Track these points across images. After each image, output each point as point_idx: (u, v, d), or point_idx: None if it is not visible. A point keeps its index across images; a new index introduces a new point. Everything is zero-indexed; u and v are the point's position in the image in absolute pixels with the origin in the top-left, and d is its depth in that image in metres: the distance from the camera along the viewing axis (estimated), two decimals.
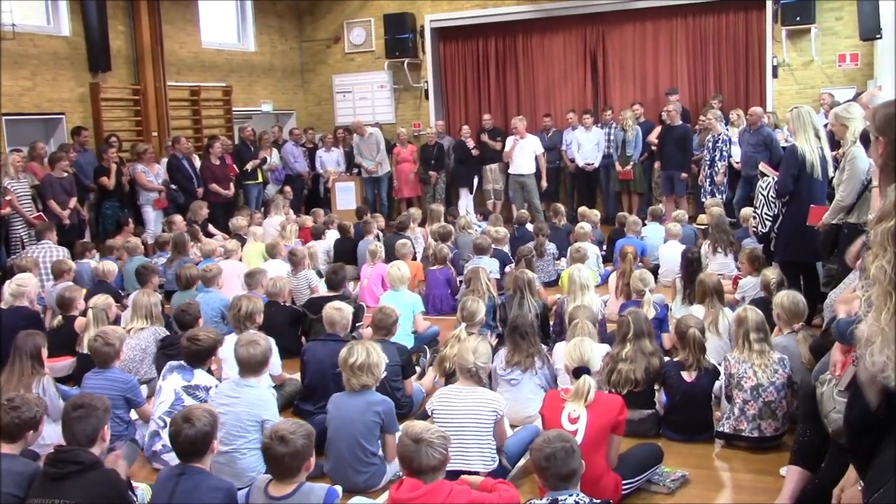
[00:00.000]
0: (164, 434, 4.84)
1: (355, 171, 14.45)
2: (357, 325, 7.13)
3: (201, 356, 5.11)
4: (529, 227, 10.37)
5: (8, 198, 9.53)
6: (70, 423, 3.71)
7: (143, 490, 4.39)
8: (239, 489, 4.04)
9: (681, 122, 12.23)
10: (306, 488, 3.49)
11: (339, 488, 3.97)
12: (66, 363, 6.50)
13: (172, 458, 4.41)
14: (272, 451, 3.46)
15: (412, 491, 3.28)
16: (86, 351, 5.84)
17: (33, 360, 5.24)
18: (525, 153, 12.89)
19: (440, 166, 14.33)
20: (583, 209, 10.97)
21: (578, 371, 4.29)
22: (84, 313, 6.63)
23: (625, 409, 4.27)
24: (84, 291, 7.29)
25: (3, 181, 9.62)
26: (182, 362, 5.12)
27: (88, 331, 6.11)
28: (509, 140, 13.08)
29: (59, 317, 6.85)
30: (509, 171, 13.14)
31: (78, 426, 3.70)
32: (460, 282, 8.37)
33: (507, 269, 8.66)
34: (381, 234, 10.43)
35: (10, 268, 8.44)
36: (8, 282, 7.25)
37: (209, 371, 5.28)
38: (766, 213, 7.09)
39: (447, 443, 3.44)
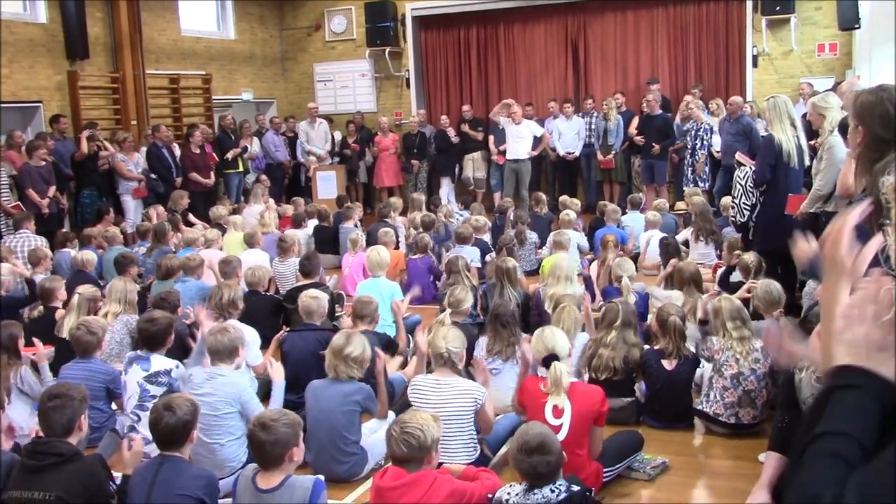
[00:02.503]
0: (140, 427, 4.82)
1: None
2: (338, 314, 7.14)
3: (159, 339, 5.05)
4: (511, 215, 10.37)
5: None
6: (46, 413, 3.69)
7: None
8: (220, 478, 4.05)
9: (661, 111, 12.27)
10: (293, 481, 3.46)
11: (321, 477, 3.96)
12: (46, 351, 6.44)
13: (151, 452, 4.41)
14: (255, 438, 3.45)
15: (395, 479, 3.29)
16: (65, 336, 5.79)
17: (9, 352, 5.21)
18: (522, 138, 12.91)
19: (422, 155, 14.32)
20: (564, 198, 10.99)
21: (548, 360, 4.31)
22: (66, 304, 6.58)
23: (606, 401, 4.30)
24: (63, 281, 7.23)
25: None
26: (138, 352, 5.07)
27: (69, 317, 6.06)
28: (504, 125, 13.05)
29: (40, 307, 6.79)
30: (507, 156, 13.12)
31: (54, 416, 3.67)
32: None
33: (488, 258, 8.67)
34: (359, 223, 10.44)
35: None
36: None
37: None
38: (744, 203, 7.14)
39: (434, 430, 3.44)
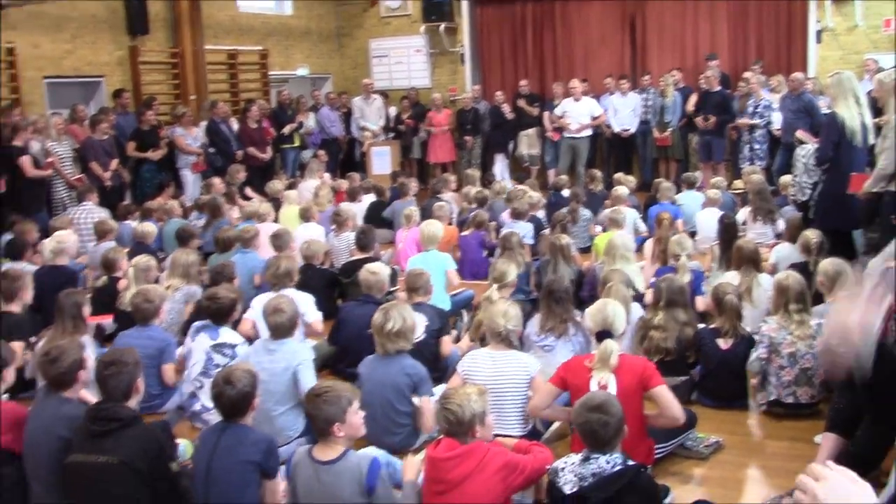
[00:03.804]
0: (201, 395, 4.95)
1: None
2: (392, 289, 7.19)
3: (222, 314, 5.18)
4: (566, 192, 10.33)
5: (50, 160, 9.68)
6: (104, 380, 3.80)
7: (184, 446, 4.49)
8: (279, 446, 4.13)
9: (720, 87, 12.07)
10: (350, 456, 3.51)
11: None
12: (107, 322, 6.62)
13: (211, 419, 4.53)
14: (306, 410, 3.51)
15: (449, 451, 3.32)
16: (126, 308, 5.94)
17: (75, 319, 5.36)
18: (581, 114, 12.88)
19: (476, 131, 14.29)
20: (618, 175, 10.88)
21: (601, 335, 4.29)
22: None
23: (649, 363, 4.25)
24: (126, 251, 7.43)
25: (45, 144, 9.77)
26: (207, 322, 5.21)
27: (129, 289, 6.21)
28: (565, 103, 13.00)
29: (104, 277, 6.97)
30: (564, 133, 13.08)
31: (112, 382, 3.78)
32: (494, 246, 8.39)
33: (542, 234, 8.66)
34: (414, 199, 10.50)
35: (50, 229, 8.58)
36: (48, 239, 7.40)
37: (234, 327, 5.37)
38: (805, 182, 7.02)
39: (481, 400, 3.48)
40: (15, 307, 5.82)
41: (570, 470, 3.19)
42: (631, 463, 3.17)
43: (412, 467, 3.82)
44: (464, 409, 3.36)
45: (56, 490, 3.92)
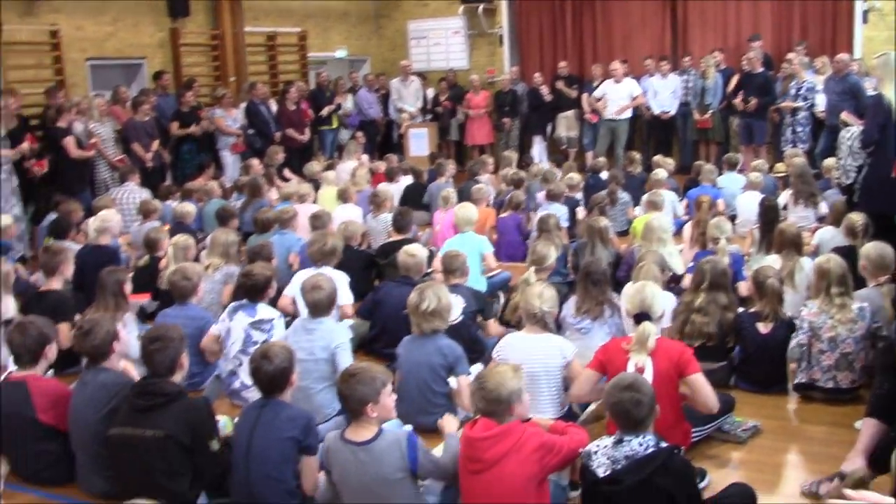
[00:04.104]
0: (241, 372, 5.01)
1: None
2: (429, 271, 7.21)
3: (258, 290, 5.22)
4: (604, 175, 10.27)
5: (93, 141, 9.83)
6: (150, 356, 3.87)
7: (224, 422, 4.55)
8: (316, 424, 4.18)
9: (762, 69, 11.87)
10: (386, 434, 3.53)
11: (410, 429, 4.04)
12: (149, 300, 6.72)
13: (250, 396, 4.60)
14: (338, 389, 3.54)
15: (485, 430, 3.33)
16: (166, 287, 6.03)
17: (116, 297, 5.45)
18: (621, 97, 12.80)
19: (514, 113, 14.24)
20: (657, 158, 10.78)
21: (639, 317, 4.27)
22: None
23: (686, 349, 4.22)
24: (168, 229, 7.54)
25: (88, 125, 9.91)
26: (244, 301, 5.26)
27: (169, 268, 6.29)
28: (605, 85, 12.92)
29: (146, 256, 7.07)
30: (603, 115, 13.01)
31: (157, 358, 3.86)
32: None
33: (579, 215, 8.62)
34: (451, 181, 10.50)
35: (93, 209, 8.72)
36: (92, 219, 7.52)
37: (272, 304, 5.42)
38: (849, 164, 6.89)
39: (518, 380, 3.48)
40: (56, 283, 5.92)
41: (603, 453, 3.18)
42: (664, 445, 3.15)
43: (452, 422, 3.91)
44: (500, 388, 3.37)
45: (101, 460, 4.02)
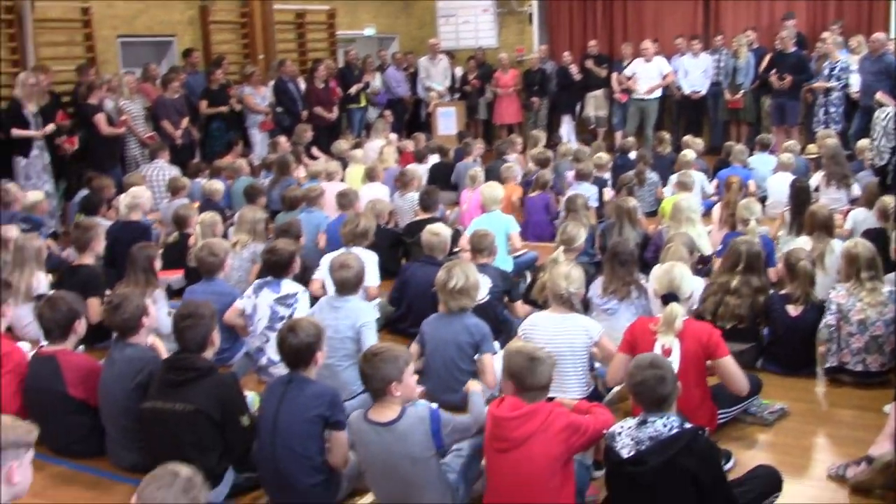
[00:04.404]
0: (268, 348, 5.05)
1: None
2: (455, 250, 7.22)
3: (282, 266, 5.24)
4: (632, 155, 10.19)
5: (123, 118, 9.90)
6: (181, 332, 3.92)
7: (251, 397, 4.60)
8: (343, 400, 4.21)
9: (795, 48, 11.69)
10: (409, 412, 3.53)
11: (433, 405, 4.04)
12: (178, 276, 6.78)
13: (278, 372, 4.63)
14: (360, 369, 3.55)
15: (513, 410, 3.34)
16: (193, 263, 6.08)
17: (146, 273, 5.51)
18: (651, 77, 12.68)
19: (543, 92, 14.15)
20: (687, 138, 10.67)
21: (666, 298, 4.24)
22: None
23: (714, 332, 4.20)
24: (196, 206, 7.59)
25: (118, 102, 9.98)
26: (268, 278, 5.28)
27: (197, 245, 6.33)
28: (635, 63, 12.81)
29: (175, 233, 7.13)
30: (632, 95, 12.91)
31: (189, 334, 3.90)
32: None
33: (606, 196, 8.57)
34: (479, 160, 10.48)
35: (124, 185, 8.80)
36: (122, 195, 7.59)
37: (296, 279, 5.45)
38: (883, 145, 6.80)
39: (554, 367, 3.49)
40: (87, 258, 5.99)
41: (627, 434, 3.17)
42: (688, 426, 3.14)
43: (477, 384, 4.02)
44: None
45: (129, 434, 4.08)
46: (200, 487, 2.49)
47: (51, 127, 9.02)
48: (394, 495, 3.61)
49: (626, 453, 3.13)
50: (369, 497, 3.88)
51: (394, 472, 3.53)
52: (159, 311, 5.31)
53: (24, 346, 4.99)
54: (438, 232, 5.83)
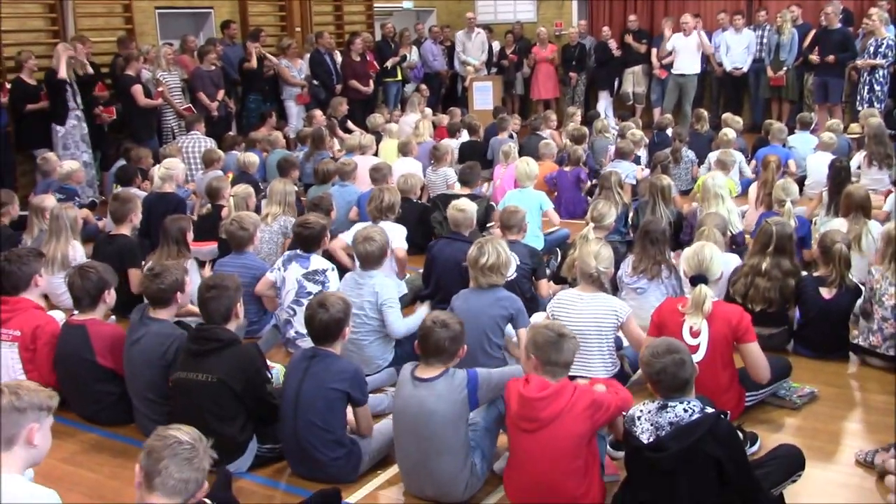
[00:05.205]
0: (295, 321, 5.07)
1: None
2: (489, 224, 7.19)
3: (312, 240, 5.25)
4: (670, 132, 10.06)
5: (160, 89, 9.97)
6: (205, 303, 3.95)
7: (277, 370, 4.64)
8: (367, 375, 4.23)
9: (840, 25, 11.41)
10: (452, 371, 3.59)
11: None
12: (210, 248, 6.84)
13: (305, 344, 4.64)
14: (434, 334, 3.56)
15: (541, 390, 3.31)
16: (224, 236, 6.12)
17: (179, 244, 5.56)
18: (690, 52, 12.51)
19: (581, 68, 13.99)
20: (726, 115, 10.49)
21: (695, 279, 4.19)
22: None
23: (745, 316, 4.15)
24: (230, 178, 7.62)
25: (156, 73, 10.05)
26: (298, 251, 5.29)
27: (228, 217, 6.36)
28: (675, 38, 12.64)
29: (208, 205, 7.18)
30: (672, 70, 12.73)
31: (212, 305, 3.93)
32: (593, 185, 8.26)
33: (640, 174, 8.47)
34: (514, 135, 10.41)
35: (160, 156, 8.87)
36: (157, 166, 7.65)
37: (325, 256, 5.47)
38: None
39: (578, 347, 3.49)
40: (124, 230, 6.05)
41: (647, 419, 3.13)
42: (709, 410, 3.09)
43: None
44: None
45: (156, 406, 4.13)
46: (204, 453, 2.55)
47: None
48: (414, 457, 3.63)
49: (645, 438, 3.10)
50: (391, 472, 3.90)
51: (422, 429, 3.55)
52: (192, 283, 5.37)
53: (58, 315, 5.08)
54: (464, 208, 5.78)
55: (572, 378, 3.63)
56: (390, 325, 4.76)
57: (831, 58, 11.12)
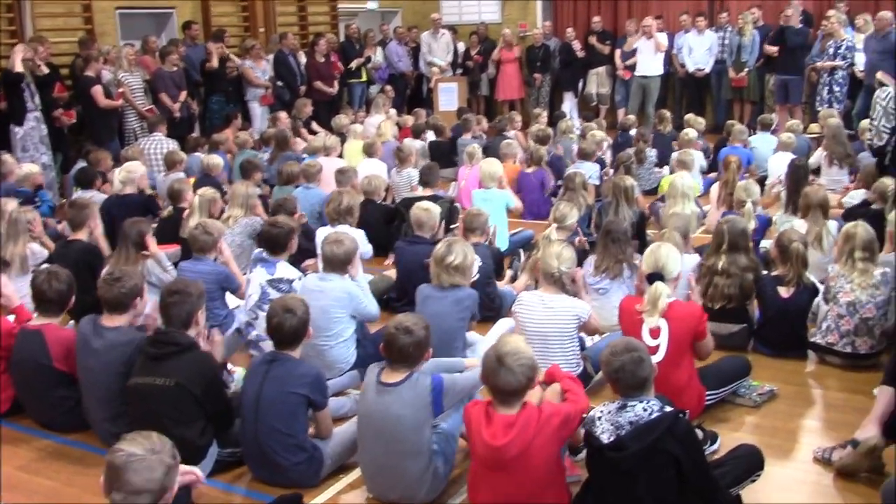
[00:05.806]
0: (257, 324, 5.02)
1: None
2: (452, 226, 7.19)
3: (278, 241, 5.16)
4: (633, 133, 10.13)
5: (121, 90, 9.85)
6: (166, 308, 3.91)
7: (239, 374, 4.60)
8: (329, 379, 4.21)
9: (801, 26, 11.57)
10: (416, 376, 3.55)
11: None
12: (172, 250, 6.75)
13: (267, 346, 4.60)
14: (396, 341, 3.51)
15: (505, 434, 3.14)
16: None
17: (137, 247, 5.47)
18: (652, 54, 12.63)
19: (545, 69, 14.05)
20: (689, 116, 10.60)
21: (652, 277, 4.22)
22: None
23: (704, 317, 4.20)
24: (193, 181, 7.55)
25: (117, 74, 9.93)
26: (264, 254, 5.21)
27: (192, 218, 6.29)
28: (638, 41, 12.75)
29: (170, 207, 7.09)
30: (634, 72, 12.83)
31: (174, 310, 3.89)
32: (557, 186, 8.29)
33: (604, 174, 8.52)
34: (483, 136, 10.43)
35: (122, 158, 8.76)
36: (118, 169, 7.56)
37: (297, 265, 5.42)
38: (883, 126, 6.74)
39: (532, 371, 3.24)
40: (82, 235, 5.95)
41: (607, 419, 3.14)
42: (668, 409, 3.11)
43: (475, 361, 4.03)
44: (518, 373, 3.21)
45: (113, 413, 4.07)
46: (160, 461, 2.58)
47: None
48: (380, 460, 3.61)
49: (606, 438, 3.10)
50: (353, 475, 3.89)
51: (385, 434, 3.53)
52: (157, 279, 5.33)
53: (12, 320, 4.98)
54: (428, 208, 5.78)
55: None
56: (369, 314, 4.83)
57: (774, 49, 11.34)
